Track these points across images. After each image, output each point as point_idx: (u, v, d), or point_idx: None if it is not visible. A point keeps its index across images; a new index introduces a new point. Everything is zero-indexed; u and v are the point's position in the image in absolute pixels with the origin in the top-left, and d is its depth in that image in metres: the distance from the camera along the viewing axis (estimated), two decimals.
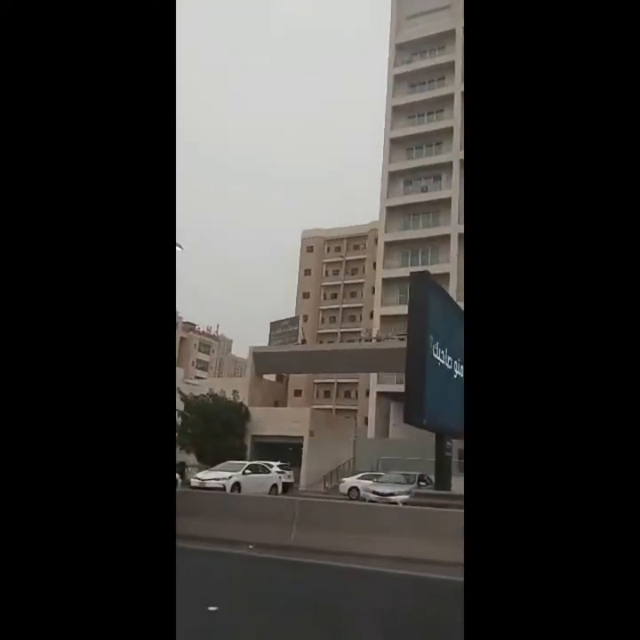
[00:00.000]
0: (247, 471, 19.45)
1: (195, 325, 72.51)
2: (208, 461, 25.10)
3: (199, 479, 18.41)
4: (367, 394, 48.97)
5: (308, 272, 56.63)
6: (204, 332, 75.13)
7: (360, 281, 53.68)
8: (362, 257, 54.28)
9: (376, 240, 52.54)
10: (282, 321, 36.58)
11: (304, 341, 36.24)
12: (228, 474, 18.61)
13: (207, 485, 17.47)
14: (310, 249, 57.05)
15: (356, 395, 50.80)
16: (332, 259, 56.59)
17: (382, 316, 37.71)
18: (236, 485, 18.14)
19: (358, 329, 50.54)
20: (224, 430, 26.53)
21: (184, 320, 71.73)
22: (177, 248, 19.08)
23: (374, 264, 52.29)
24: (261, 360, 31.29)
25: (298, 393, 49.27)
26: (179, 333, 70.40)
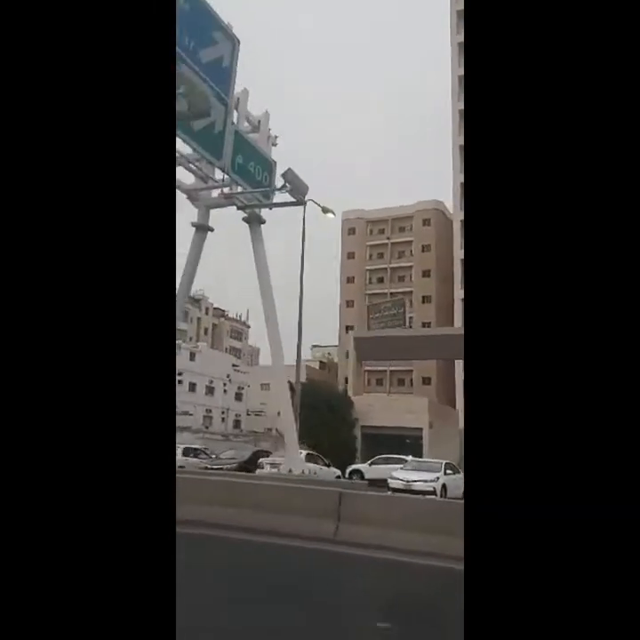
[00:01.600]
0: (448, 471, 17.38)
1: (225, 311, 69.86)
2: (325, 455, 23.18)
3: (401, 480, 16.23)
4: (423, 381, 47.30)
5: (351, 255, 53.85)
6: (233, 318, 72.36)
7: (408, 264, 51.39)
8: (408, 239, 51.94)
9: (424, 221, 50.59)
10: (383, 303, 34.38)
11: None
12: (434, 474, 16.50)
13: (414, 488, 15.35)
14: (352, 231, 54.30)
15: (411, 383, 48.88)
16: (375, 241, 53.96)
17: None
18: (443, 488, 16.08)
19: (410, 315, 48.56)
20: (336, 421, 24.31)
21: (215, 306, 69.18)
22: (330, 215, 16.93)
23: (423, 246, 50.29)
24: (362, 346, 29.04)
25: (347, 381, 47.20)
26: (210, 320, 67.83)
